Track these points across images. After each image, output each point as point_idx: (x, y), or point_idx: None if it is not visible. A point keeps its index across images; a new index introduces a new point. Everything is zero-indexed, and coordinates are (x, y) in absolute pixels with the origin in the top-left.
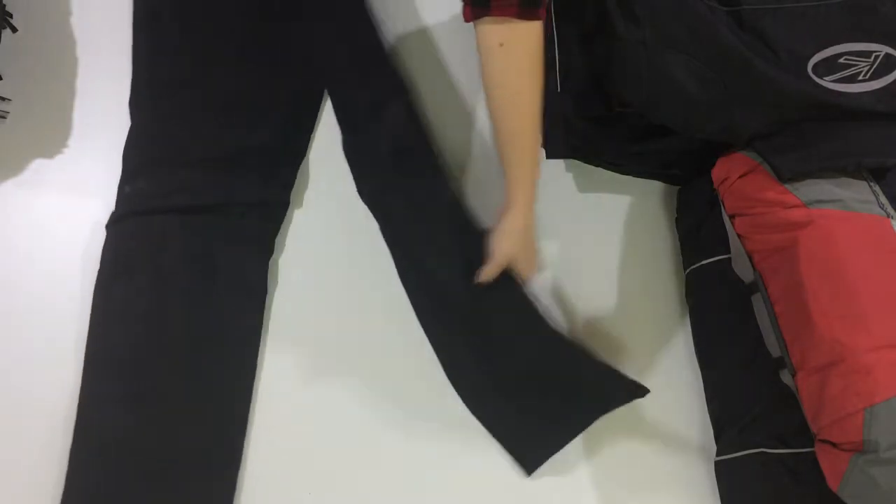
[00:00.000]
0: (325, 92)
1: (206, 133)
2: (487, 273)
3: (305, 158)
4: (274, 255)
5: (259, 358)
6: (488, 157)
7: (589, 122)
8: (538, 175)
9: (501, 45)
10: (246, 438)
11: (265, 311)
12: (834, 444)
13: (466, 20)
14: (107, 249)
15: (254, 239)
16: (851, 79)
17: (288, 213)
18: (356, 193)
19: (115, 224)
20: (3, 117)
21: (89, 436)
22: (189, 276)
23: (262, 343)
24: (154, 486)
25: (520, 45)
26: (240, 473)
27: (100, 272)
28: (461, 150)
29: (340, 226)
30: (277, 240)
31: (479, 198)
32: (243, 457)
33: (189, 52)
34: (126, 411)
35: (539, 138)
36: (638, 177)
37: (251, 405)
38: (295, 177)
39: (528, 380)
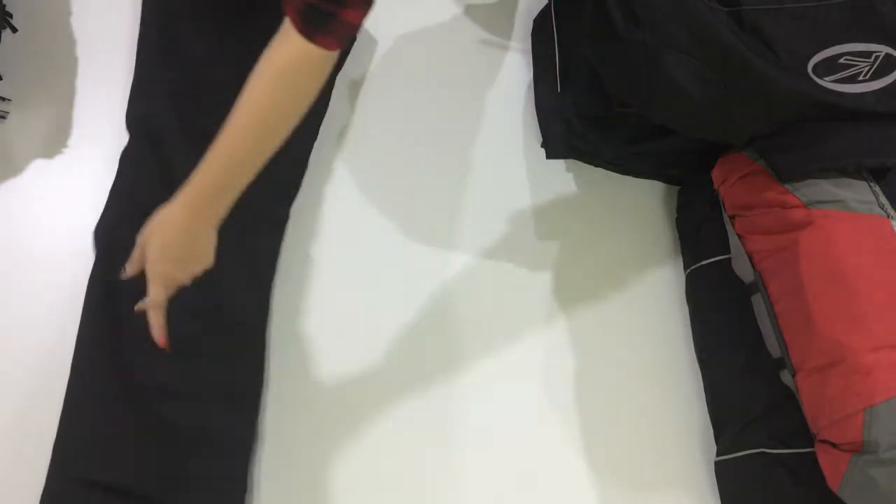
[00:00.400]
0: (326, 106)
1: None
2: (129, 262)
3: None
4: None
5: None
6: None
7: (589, 122)
8: (227, 185)
9: (281, 43)
10: None
11: None
12: (834, 445)
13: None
14: (101, 246)
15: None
16: (852, 79)
17: None
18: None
19: (111, 221)
20: (3, 117)
21: (72, 433)
22: None
23: None
24: (137, 483)
25: (287, 54)
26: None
27: (93, 268)
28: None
29: (337, 234)
30: None
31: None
32: None
33: (195, 53)
34: (110, 409)
35: (255, 160)
36: (638, 177)
37: None
38: (296, 193)
39: None
